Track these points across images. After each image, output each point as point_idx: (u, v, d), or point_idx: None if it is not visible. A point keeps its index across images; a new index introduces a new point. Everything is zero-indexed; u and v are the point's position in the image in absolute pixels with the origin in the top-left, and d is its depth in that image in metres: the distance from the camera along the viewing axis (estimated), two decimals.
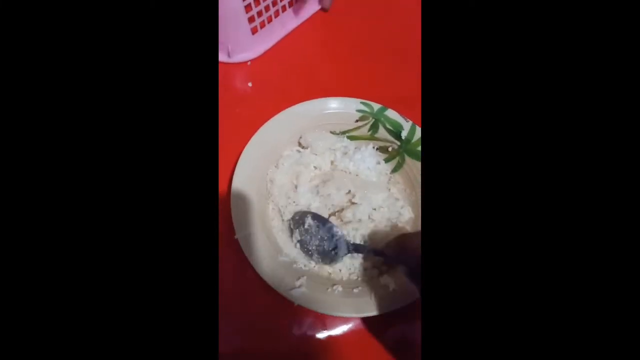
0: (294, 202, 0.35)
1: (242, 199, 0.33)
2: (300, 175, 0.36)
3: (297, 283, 0.30)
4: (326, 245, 0.32)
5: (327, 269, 0.33)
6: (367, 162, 0.38)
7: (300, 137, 0.39)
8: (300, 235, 0.33)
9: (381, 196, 0.36)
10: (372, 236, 0.35)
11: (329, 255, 0.33)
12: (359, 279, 0.33)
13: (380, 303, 0.30)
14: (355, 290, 0.31)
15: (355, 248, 0.33)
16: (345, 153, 0.39)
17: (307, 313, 0.32)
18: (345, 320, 0.33)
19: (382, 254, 0.32)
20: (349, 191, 0.36)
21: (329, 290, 0.31)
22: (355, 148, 0.39)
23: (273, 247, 0.32)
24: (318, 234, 0.33)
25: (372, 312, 0.29)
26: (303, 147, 0.39)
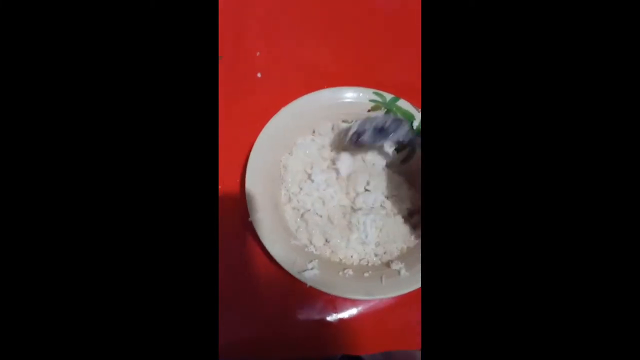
0: (306, 193, 0.36)
1: (256, 183, 0.34)
2: (314, 166, 0.37)
3: (310, 265, 0.31)
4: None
5: (339, 254, 0.34)
6: (384, 152, 0.38)
7: (314, 131, 0.40)
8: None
9: (394, 184, 0.36)
10: None
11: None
12: (369, 264, 0.34)
13: (390, 287, 0.30)
14: (365, 275, 0.31)
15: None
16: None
17: (317, 298, 0.33)
18: (354, 303, 0.33)
19: None
20: (366, 181, 0.36)
21: (340, 273, 0.31)
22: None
23: (285, 231, 0.33)
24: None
25: (382, 295, 0.30)
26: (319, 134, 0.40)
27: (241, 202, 0.33)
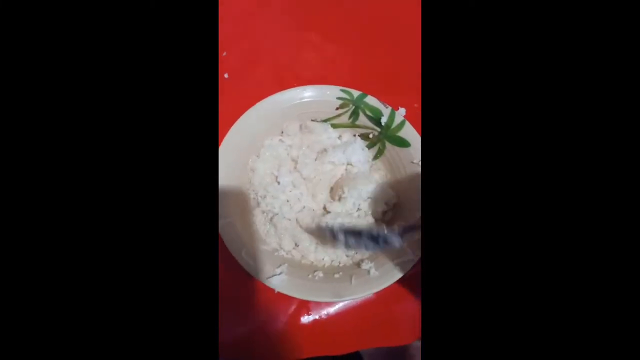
0: (273, 196, 0.35)
1: (222, 187, 0.33)
2: (281, 167, 0.36)
3: (278, 270, 0.30)
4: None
5: (310, 257, 0.34)
6: (358, 154, 0.38)
7: (282, 132, 0.39)
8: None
9: (371, 187, 0.36)
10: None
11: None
12: (340, 264, 0.34)
13: (359, 287, 0.30)
14: (336, 276, 0.31)
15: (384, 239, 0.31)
16: (334, 146, 0.39)
17: (290, 300, 0.33)
18: (328, 304, 0.33)
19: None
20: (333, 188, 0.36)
21: (310, 276, 0.31)
22: (345, 142, 0.39)
23: (253, 236, 0.33)
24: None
25: (351, 296, 0.30)
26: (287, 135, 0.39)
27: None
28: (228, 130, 0.36)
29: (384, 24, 0.51)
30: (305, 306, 0.34)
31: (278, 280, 0.30)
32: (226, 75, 0.44)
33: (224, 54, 0.46)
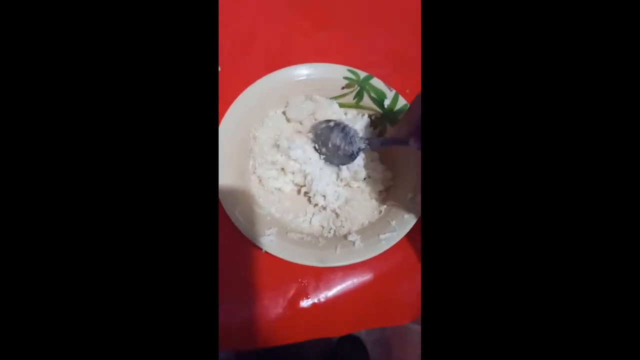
0: (272, 162, 0.36)
1: (224, 151, 0.35)
2: (281, 134, 0.38)
3: (268, 232, 0.32)
4: (343, 144, 0.35)
5: (299, 224, 0.35)
6: (364, 132, 0.39)
7: (287, 104, 0.40)
8: (317, 141, 0.36)
9: (372, 164, 0.37)
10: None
11: (346, 154, 0.35)
12: (329, 234, 0.35)
13: (344, 256, 0.32)
14: (322, 243, 0.33)
15: (369, 143, 0.35)
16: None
17: (289, 284, 0.34)
18: (326, 287, 0.34)
19: (395, 141, 0.34)
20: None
21: (297, 241, 0.32)
22: (352, 117, 0.40)
23: (249, 199, 0.34)
24: (331, 136, 0.35)
25: (334, 263, 0.31)
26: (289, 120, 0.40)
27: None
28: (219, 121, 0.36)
29: (381, 7, 0.50)
30: (304, 290, 0.34)
31: (267, 240, 0.31)
32: (219, 69, 0.43)
33: None
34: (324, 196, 0.35)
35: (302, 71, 0.40)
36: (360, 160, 0.36)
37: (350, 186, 0.37)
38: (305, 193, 0.37)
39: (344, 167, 0.36)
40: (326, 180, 0.36)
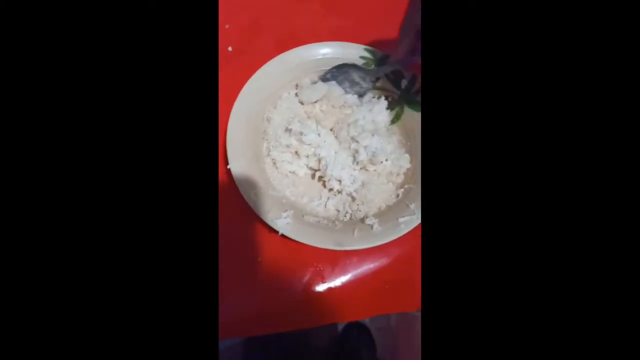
0: (286, 145, 0.35)
1: (237, 131, 0.34)
2: (294, 117, 0.36)
3: (284, 214, 0.31)
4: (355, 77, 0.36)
5: (315, 208, 0.34)
6: (383, 115, 0.38)
7: (297, 85, 0.39)
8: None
9: (391, 143, 0.36)
10: None
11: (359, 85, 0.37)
12: (345, 218, 0.34)
13: (361, 240, 0.31)
14: (338, 226, 0.32)
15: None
16: (357, 105, 0.38)
17: (305, 269, 0.33)
18: (342, 272, 0.34)
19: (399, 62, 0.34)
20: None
21: (313, 224, 0.32)
22: (370, 101, 0.39)
23: (264, 182, 0.33)
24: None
25: (352, 246, 0.30)
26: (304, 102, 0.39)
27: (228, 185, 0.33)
28: (232, 104, 0.36)
29: None
30: (320, 275, 0.33)
31: (283, 222, 0.30)
32: (230, 49, 0.43)
33: (227, 26, 0.45)
34: (340, 180, 0.34)
35: (317, 50, 0.39)
36: (377, 142, 0.35)
37: (366, 169, 0.35)
38: (320, 177, 0.36)
39: (361, 150, 0.34)
40: (341, 164, 0.35)
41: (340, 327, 0.84)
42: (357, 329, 0.84)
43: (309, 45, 0.38)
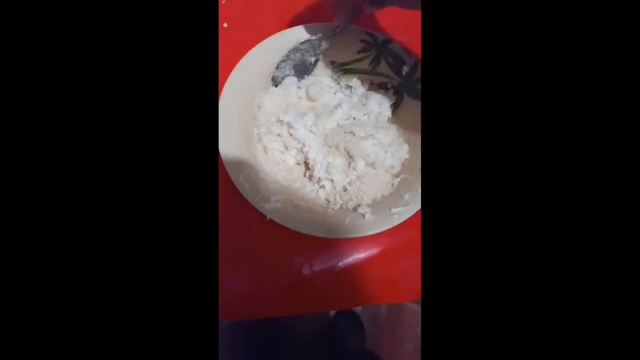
0: (277, 134, 0.34)
1: (227, 113, 0.32)
2: (289, 107, 0.35)
3: (273, 199, 0.30)
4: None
5: (307, 193, 0.33)
6: (384, 105, 0.36)
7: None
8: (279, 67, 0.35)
9: (390, 136, 0.35)
10: None
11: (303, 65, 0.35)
12: (338, 206, 0.33)
13: (353, 228, 0.30)
14: (330, 214, 0.31)
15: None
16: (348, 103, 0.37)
17: (294, 255, 0.33)
18: (332, 259, 0.33)
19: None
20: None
21: (304, 210, 0.31)
22: (362, 94, 0.37)
23: (256, 166, 0.32)
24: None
25: (343, 235, 0.30)
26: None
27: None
28: (224, 82, 0.34)
29: None
30: (308, 262, 0.33)
31: (272, 207, 0.30)
32: (225, 25, 0.42)
33: (224, 1, 0.43)
34: (331, 180, 0.33)
35: (313, 32, 0.37)
36: (375, 146, 0.33)
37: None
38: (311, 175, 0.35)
39: (359, 160, 0.33)
40: (334, 167, 0.34)
41: (331, 314, 0.85)
42: (348, 316, 0.84)
43: (303, 26, 0.37)
